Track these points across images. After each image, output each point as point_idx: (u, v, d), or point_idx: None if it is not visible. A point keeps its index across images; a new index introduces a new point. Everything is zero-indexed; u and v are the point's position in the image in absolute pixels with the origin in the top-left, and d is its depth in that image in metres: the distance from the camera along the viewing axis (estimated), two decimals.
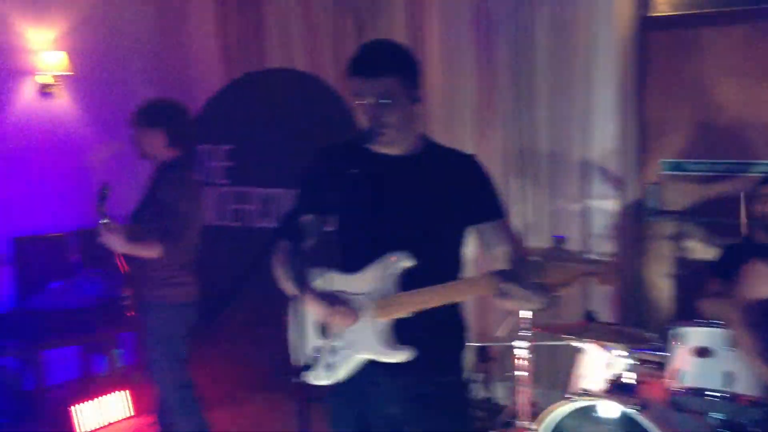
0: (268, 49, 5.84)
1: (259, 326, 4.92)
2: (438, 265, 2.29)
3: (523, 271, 2.06)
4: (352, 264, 2.37)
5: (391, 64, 2.27)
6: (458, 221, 2.34)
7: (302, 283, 2.15)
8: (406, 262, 2.27)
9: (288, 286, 2.35)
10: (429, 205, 2.30)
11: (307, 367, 2.33)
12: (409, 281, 2.26)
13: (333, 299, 2.33)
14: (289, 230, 2.05)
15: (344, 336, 2.34)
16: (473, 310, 4.68)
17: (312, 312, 2.36)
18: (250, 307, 4.65)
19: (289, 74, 5.70)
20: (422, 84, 2.37)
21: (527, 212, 4.66)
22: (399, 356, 2.27)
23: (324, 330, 2.37)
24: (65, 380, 5.17)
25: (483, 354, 4.41)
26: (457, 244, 2.38)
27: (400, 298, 2.26)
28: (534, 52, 4.62)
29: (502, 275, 2.09)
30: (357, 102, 2.29)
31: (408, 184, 2.33)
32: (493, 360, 4.45)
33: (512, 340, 3.89)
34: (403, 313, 2.26)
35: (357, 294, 2.33)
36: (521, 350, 3.84)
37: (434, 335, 2.32)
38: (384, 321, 2.29)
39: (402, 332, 2.28)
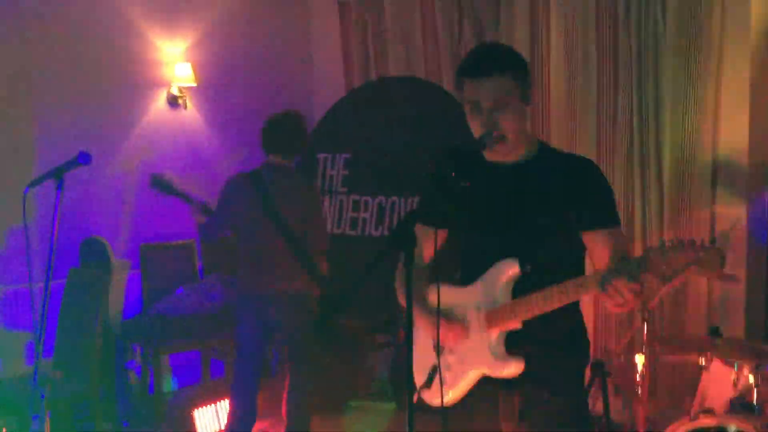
0: (389, 57, 5.96)
1: (372, 335, 5.02)
2: (554, 273, 2.22)
3: (627, 265, 2.02)
4: (467, 276, 2.39)
5: (504, 62, 2.24)
6: (572, 227, 2.28)
7: (415, 298, 2.14)
8: (515, 270, 2.26)
9: (403, 300, 2.38)
10: (542, 212, 2.27)
11: (424, 385, 2.36)
12: (524, 291, 2.23)
13: (440, 313, 2.32)
14: (402, 240, 2.05)
15: (457, 351, 2.35)
16: (590, 322, 4.59)
17: (424, 328, 2.38)
18: (364, 316, 4.73)
19: (409, 82, 5.78)
20: (535, 85, 2.33)
21: (650, 218, 4.52)
22: (510, 369, 2.26)
23: (442, 346, 2.38)
24: (187, 384, 5.39)
25: (600, 368, 4.30)
26: (573, 251, 2.32)
27: (506, 307, 2.26)
28: (660, 51, 4.49)
29: (608, 271, 2.05)
30: (469, 107, 2.26)
31: (521, 193, 2.30)
32: (611, 375, 4.33)
33: (631, 354, 3.78)
34: (512, 323, 2.25)
35: (469, 306, 2.34)
36: (640, 365, 3.73)
37: (551, 348, 2.30)
38: (495, 333, 2.28)
39: (516, 345, 2.27)
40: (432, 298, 2.37)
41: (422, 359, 2.41)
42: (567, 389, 2.35)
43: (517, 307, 2.23)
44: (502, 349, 2.27)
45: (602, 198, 2.30)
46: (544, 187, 2.28)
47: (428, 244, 2.46)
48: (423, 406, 2.32)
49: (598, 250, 2.27)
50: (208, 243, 4.76)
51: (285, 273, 3.96)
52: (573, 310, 2.34)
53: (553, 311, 2.18)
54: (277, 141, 4.09)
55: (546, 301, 2.17)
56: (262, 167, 4.12)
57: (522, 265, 2.25)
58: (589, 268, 2.36)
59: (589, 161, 2.35)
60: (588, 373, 4.23)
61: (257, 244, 4.01)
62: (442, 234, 2.45)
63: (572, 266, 2.31)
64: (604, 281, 2.03)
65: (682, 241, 1.94)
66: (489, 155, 2.30)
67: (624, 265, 2.03)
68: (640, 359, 3.72)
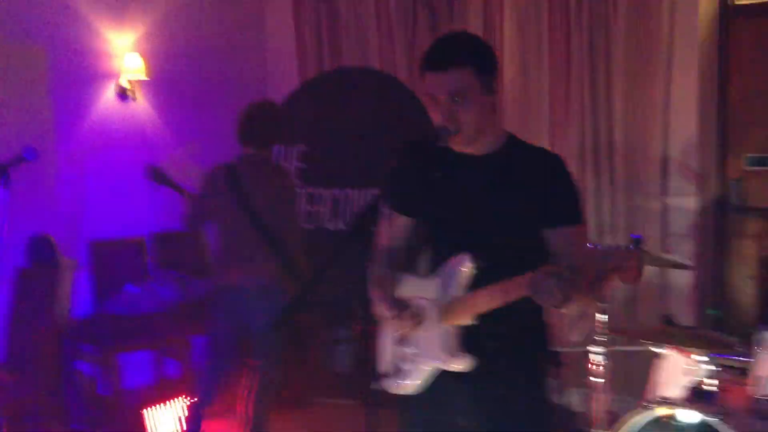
0: (343, 48, 5.91)
1: (330, 329, 4.98)
2: (514, 268, 2.11)
3: (556, 270, 1.94)
4: (432, 266, 2.36)
5: (464, 55, 2.18)
6: (534, 224, 2.22)
7: (381, 287, 2.16)
8: (467, 266, 2.23)
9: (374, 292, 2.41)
10: (505, 206, 2.23)
11: (385, 375, 2.35)
12: (481, 286, 2.20)
13: (397, 303, 2.32)
14: (361, 233, 2.05)
15: (416, 343, 2.33)
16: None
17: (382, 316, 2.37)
18: (322, 310, 4.68)
19: (363, 73, 5.74)
20: (498, 75, 2.28)
21: (603, 211, 4.57)
22: (458, 364, 2.24)
23: (402, 337, 2.36)
24: (140, 384, 5.31)
25: (556, 359, 4.31)
26: (534, 247, 2.23)
27: (458, 302, 2.23)
28: (611, 44, 4.56)
29: (539, 273, 1.98)
30: (430, 99, 2.22)
31: (483, 185, 2.27)
32: (567, 365, 4.35)
33: (587, 345, 3.80)
34: (465, 318, 2.23)
35: (427, 298, 2.32)
36: (596, 355, 3.74)
37: (509, 342, 2.27)
38: (449, 327, 2.26)
39: (474, 339, 2.25)
40: (396, 287, 2.38)
41: (386, 349, 2.41)
42: (525, 385, 2.32)
43: (465, 303, 2.21)
44: (453, 343, 2.26)
45: (565, 194, 2.23)
46: (507, 181, 2.24)
47: (394, 230, 2.46)
48: (382, 400, 2.30)
49: (558, 249, 2.20)
50: (191, 232, 4.71)
51: (257, 266, 3.96)
52: (533, 305, 2.31)
53: (511, 306, 2.15)
54: (250, 132, 4.07)
55: (490, 299, 2.15)
56: (238, 159, 4.11)
57: (474, 261, 2.21)
58: None
59: (556, 156, 2.30)
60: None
61: (231, 237, 4.02)
62: (408, 221, 2.44)
63: (533, 264, 2.16)
64: (533, 283, 1.98)
65: (611, 247, 1.92)
66: (455, 146, 2.26)
67: (555, 270, 1.95)
68: (595, 349, 3.74)
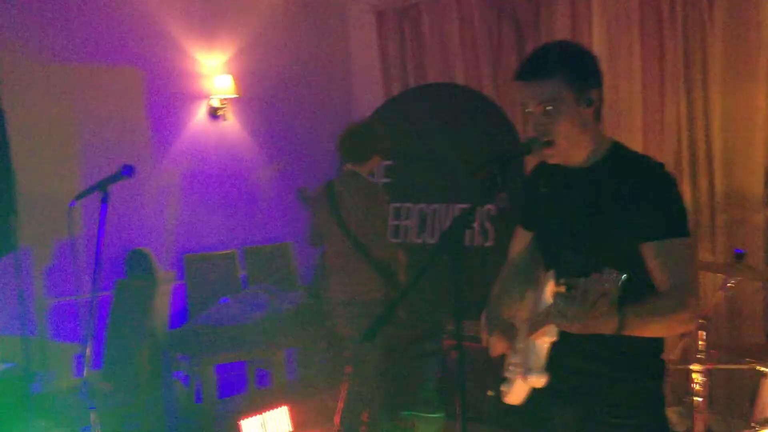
0: (428, 64, 5.90)
1: (420, 343, 4.93)
2: None
3: (565, 297, 1.84)
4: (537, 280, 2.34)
5: (554, 65, 2.10)
6: (633, 236, 2.09)
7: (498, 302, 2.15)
8: (551, 282, 2.16)
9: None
10: (602, 219, 2.14)
11: (501, 382, 2.34)
12: None
13: (491, 324, 2.32)
14: (450, 247, 2.02)
15: (517, 356, 2.31)
16: None
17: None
18: (411, 324, 4.64)
19: (448, 88, 5.71)
20: (600, 83, 2.17)
21: (703, 225, 4.40)
22: (532, 381, 2.20)
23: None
24: (233, 394, 5.37)
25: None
26: (632, 262, 2.07)
27: (539, 317, 2.17)
28: (707, 51, 4.40)
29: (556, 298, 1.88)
30: (522, 110, 2.17)
31: (584, 197, 2.18)
32: (668, 384, 4.20)
33: (688, 363, 3.66)
34: (544, 334, 2.15)
35: (525, 314, 2.31)
36: (697, 373, 3.60)
37: (614, 365, 2.16)
38: (533, 342, 2.21)
39: (577, 358, 2.19)
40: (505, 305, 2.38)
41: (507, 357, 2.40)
42: (631, 412, 2.17)
43: (539, 317, 2.16)
44: (538, 359, 2.20)
45: (664, 206, 2.08)
46: (606, 192, 2.14)
47: (520, 244, 2.48)
48: (471, 414, 2.27)
49: (660, 264, 2.05)
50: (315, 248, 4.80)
51: (354, 280, 4.07)
52: None
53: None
54: (345, 149, 4.20)
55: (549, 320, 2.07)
56: (336, 176, 4.36)
57: (556, 279, 2.13)
58: None
59: (660, 166, 2.15)
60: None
61: (330, 250, 4.21)
62: (529, 235, 2.44)
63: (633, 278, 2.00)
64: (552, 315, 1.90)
65: (601, 273, 1.77)
66: (550, 159, 2.20)
67: (564, 296, 1.85)
68: (696, 368, 3.59)
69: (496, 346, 2.31)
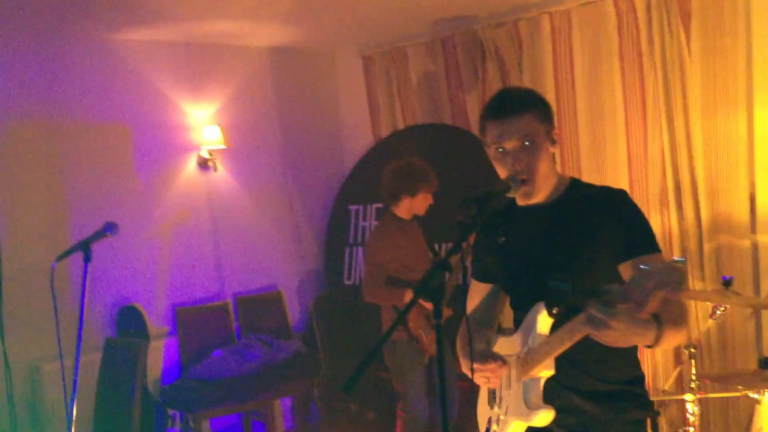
0: (415, 106, 6.01)
1: None
2: None
3: (604, 296, 1.88)
4: (516, 325, 2.35)
5: (526, 102, 2.23)
6: (607, 260, 2.17)
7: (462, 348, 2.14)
8: (541, 314, 2.19)
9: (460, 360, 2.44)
10: (574, 248, 2.20)
11: None
12: None
13: (481, 357, 2.30)
14: (431, 290, 2.02)
15: (503, 402, 2.31)
16: None
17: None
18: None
19: (436, 129, 5.80)
20: (561, 125, 2.31)
21: (690, 253, 4.43)
22: (538, 418, 2.18)
23: (493, 398, 2.35)
24: None
25: (649, 408, 4.18)
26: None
27: (533, 351, 2.20)
28: (686, 82, 4.49)
29: (591, 307, 1.92)
30: (494, 150, 2.24)
31: (551, 231, 2.25)
32: (659, 414, 4.21)
33: (680, 393, 3.68)
34: (543, 368, 2.18)
35: (512, 356, 2.29)
36: (690, 403, 3.62)
37: (603, 400, 2.20)
38: (530, 380, 2.23)
39: (566, 397, 2.21)
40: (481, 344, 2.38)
41: (482, 412, 2.40)
42: None
43: (540, 349, 2.18)
44: (536, 396, 2.21)
45: (632, 227, 2.19)
46: (574, 224, 2.22)
47: (477, 297, 2.50)
48: None
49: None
50: None
51: (385, 320, 4.47)
52: (628, 358, 2.26)
53: (603, 362, 2.14)
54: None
55: (559, 342, 2.10)
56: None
57: (548, 308, 2.19)
58: None
59: (620, 191, 2.27)
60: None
61: None
62: (488, 287, 2.48)
63: None
64: (588, 318, 1.93)
65: (642, 272, 1.80)
66: (520, 200, 2.28)
67: (603, 299, 1.90)
68: (689, 397, 3.61)
69: (490, 375, 2.28)
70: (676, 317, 2.04)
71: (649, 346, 1.99)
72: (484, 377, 2.30)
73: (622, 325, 1.87)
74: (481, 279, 2.50)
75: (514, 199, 2.30)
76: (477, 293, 2.52)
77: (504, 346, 2.34)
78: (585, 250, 2.19)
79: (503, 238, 2.33)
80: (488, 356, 2.29)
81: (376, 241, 4.46)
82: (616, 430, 2.22)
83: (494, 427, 2.32)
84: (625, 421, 2.22)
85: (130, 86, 5.42)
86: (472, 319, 2.49)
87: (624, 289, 1.83)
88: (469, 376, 2.32)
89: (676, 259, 1.82)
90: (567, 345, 2.09)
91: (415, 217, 4.50)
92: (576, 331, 2.04)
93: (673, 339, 2.05)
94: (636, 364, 2.30)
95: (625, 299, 1.83)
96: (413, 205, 4.41)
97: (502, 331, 2.42)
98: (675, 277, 1.76)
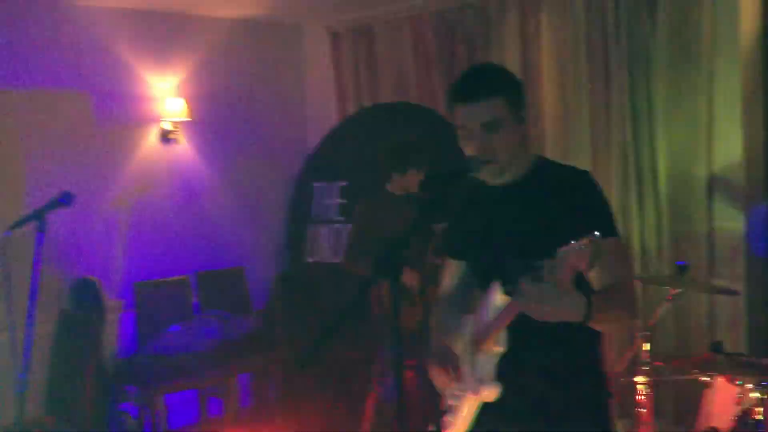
0: (382, 84, 5.98)
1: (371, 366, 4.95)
2: None
3: (535, 274, 1.93)
4: (474, 304, 2.37)
5: (495, 85, 2.21)
6: (568, 241, 2.17)
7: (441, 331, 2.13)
8: (497, 293, 2.19)
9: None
10: (536, 230, 2.21)
11: (442, 413, 2.33)
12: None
13: (440, 357, 2.32)
14: (388, 269, 2.02)
15: (462, 377, 2.32)
16: None
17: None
18: (362, 347, 4.69)
19: (402, 108, 5.78)
20: (528, 104, 2.30)
21: (648, 237, 4.50)
22: (485, 393, 2.21)
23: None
24: (184, 424, 5.35)
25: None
26: None
27: (484, 329, 2.22)
28: (651, 65, 4.53)
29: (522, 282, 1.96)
30: (461, 131, 2.23)
31: (515, 211, 2.26)
32: (613, 396, 4.27)
33: (632, 375, 3.73)
34: (492, 346, 2.20)
35: (466, 336, 2.31)
36: (642, 385, 3.67)
37: (561, 380, 2.22)
38: (479, 357, 2.24)
39: (523, 377, 2.22)
40: (454, 328, 2.38)
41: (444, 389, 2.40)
42: (577, 425, 2.23)
43: (488, 327, 2.19)
44: (486, 373, 2.23)
45: (595, 210, 2.21)
46: (538, 204, 2.23)
47: (450, 275, 2.50)
48: None
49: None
50: None
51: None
52: (587, 338, 2.26)
53: (561, 342, 2.15)
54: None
55: (500, 319, 2.12)
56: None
57: (504, 287, 2.19)
58: None
59: (584, 173, 2.29)
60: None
61: None
62: (460, 264, 2.47)
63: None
64: (520, 292, 1.97)
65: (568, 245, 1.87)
66: (486, 178, 2.27)
67: (533, 274, 1.94)
68: (641, 379, 3.67)
69: (441, 376, 2.31)
70: (616, 299, 2.07)
71: (581, 324, 1.99)
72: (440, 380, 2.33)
73: (546, 298, 1.90)
74: (453, 255, 2.51)
75: (469, 172, 2.26)
76: (450, 272, 2.52)
77: (470, 325, 2.34)
78: (548, 229, 2.19)
79: (470, 216, 2.34)
80: (447, 361, 2.30)
81: (365, 212, 4.48)
82: (570, 411, 2.23)
83: (453, 404, 2.33)
84: (579, 401, 2.24)
85: (91, 54, 5.32)
86: (444, 299, 2.50)
87: (551, 265, 1.87)
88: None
89: (595, 234, 1.86)
90: (506, 321, 2.11)
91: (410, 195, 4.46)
92: (511, 306, 2.07)
93: (607, 320, 2.07)
94: (594, 344, 2.30)
95: (551, 274, 1.87)
96: (404, 183, 4.42)
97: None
98: (585, 253, 1.82)
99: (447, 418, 2.35)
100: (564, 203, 2.19)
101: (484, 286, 2.28)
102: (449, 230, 2.52)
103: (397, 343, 2.02)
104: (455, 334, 2.37)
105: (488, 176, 2.26)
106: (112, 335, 4.89)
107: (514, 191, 2.28)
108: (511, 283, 2.16)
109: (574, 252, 1.84)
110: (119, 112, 5.49)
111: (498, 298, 2.20)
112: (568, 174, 2.29)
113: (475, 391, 2.24)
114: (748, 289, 4.22)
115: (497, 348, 2.21)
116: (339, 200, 5.99)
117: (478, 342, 2.24)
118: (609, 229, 2.18)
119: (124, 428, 4.82)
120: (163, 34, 5.72)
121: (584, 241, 1.84)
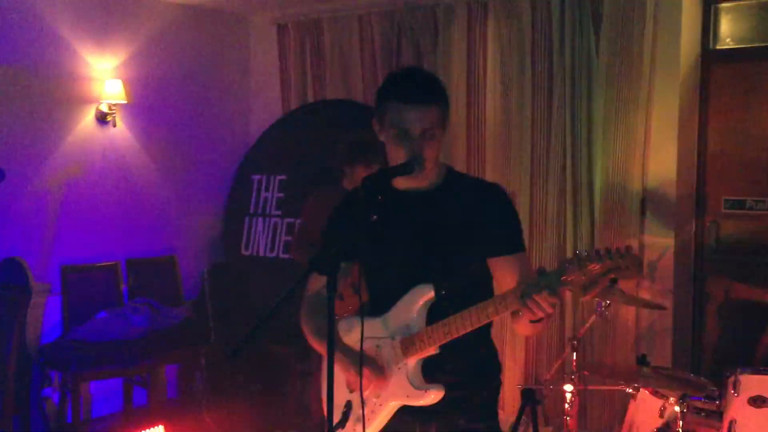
0: (327, 80, 5.97)
1: (300, 361, 4.96)
2: (466, 298, 2.20)
3: (546, 278, 2.01)
4: (378, 307, 2.37)
5: (439, 93, 2.25)
6: (480, 253, 2.28)
7: (329, 339, 2.03)
8: (430, 295, 2.24)
9: (314, 341, 2.41)
10: (450, 238, 2.27)
11: (338, 424, 2.29)
12: (437, 317, 2.23)
13: (353, 360, 2.27)
14: (326, 265, 2.04)
15: (375, 386, 2.31)
16: (522, 351, 4.63)
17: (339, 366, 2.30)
18: (292, 341, 4.67)
19: (346, 105, 5.79)
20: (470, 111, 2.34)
21: (581, 248, 4.59)
22: (430, 397, 2.23)
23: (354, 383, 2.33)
24: (107, 413, 5.26)
25: (531, 397, 4.33)
26: (484, 276, 2.33)
27: (423, 333, 2.24)
28: (592, 79, 4.63)
29: (528, 285, 2.04)
30: (395, 131, 2.21)
31: (431, 220, 2.30)
32: (541, 403, 4.36)
33: (560, 383, 3.82)
34: (430, 349, 2.23)
35: (383, 337, 2.31)
36: (569, 394, 3.76)
37: (465, 373, 2.31)
38: (412, 361, 2.26)
39: (432, 373, 2.27)
40: (344, 335, 2.38)
41: (337, 395, 2.21)
42: (483, 415, 2.36)
43: (434, 332, 2.22)
44: (420, 377, 2.27)
45: (508, 224, 2.31)
46: (453, 213, 2.29)
47: (318, 280, 2.43)
48: None
49: (503, 276, 2.28)
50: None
51: None
52: (484, 333, 2.36)
53: (465, 336, 2.19)
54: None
55: (465, 322, 2.16)
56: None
57: (437, 290, 2.24)
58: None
59: (497, 186, 2.37)
60: (519, 401, 4.27)
61: None
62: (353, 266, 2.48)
63: (483, 292, 2.30)
64: (524, 295, 2.04)
65: (598, 250, 1.96)
66: (399, 183, 2.30)
67: (543, 279, 2.02)
68: (569, 388, 3.76)
69: (375, 378, 2.28)
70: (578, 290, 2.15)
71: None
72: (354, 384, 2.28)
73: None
74: (347, 257, 2.42)
75: (390, 181, 2.28)
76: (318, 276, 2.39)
77: (374, 328, 2.32)
78: (460, 238, 2.28)
79: (375, 217, 2.28)
80: (366, 364, 2.25)
81: (317, 205, 4.32)
82: (478, 400, 2.35)
83: (359, 411, 2.27)
84: (485, 393, 2.38)
85: (29, 29, 5.17)
86: (316, 300, 2.44)
87: (561, 271, 2.00)
88: (342, 368, 2.30)
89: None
90: (470, 327, 2.16)
91: None
92: (491, 312, 2.15)
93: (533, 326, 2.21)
94: (488, 342, 2.42)
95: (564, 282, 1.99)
96: (361, 178, 4.36)
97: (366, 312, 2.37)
98: (628, 262, 1.95)
99: (351, 428, 2.29)
100: (480, 214, 2.28)
101: (393, 289, 2.32)
102: (352, 232, 2.36)
103: (331, 341, 2.03)
104: (348, 336, 2.37)
105: (409, 182, 2.28)
106: (37, 318, 4.75)
107: (432, 198, 2.32)
108: (439, 286, 2.24)
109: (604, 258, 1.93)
110: (56, 90, 5.34)
111: (426, 301, 2.25)
112: (483, 186, 2.39)
113: (415, 397, 2.25)
114: (676, 304, 4.36)
115: (433, 350, 2.24)
116: (278, 194, 5.97)
117: (413, 347, 2.25)
118: (520, 244, 2.32)
119: (45, 413, 4.71)
120: (105, 14, 5.59)
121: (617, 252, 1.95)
